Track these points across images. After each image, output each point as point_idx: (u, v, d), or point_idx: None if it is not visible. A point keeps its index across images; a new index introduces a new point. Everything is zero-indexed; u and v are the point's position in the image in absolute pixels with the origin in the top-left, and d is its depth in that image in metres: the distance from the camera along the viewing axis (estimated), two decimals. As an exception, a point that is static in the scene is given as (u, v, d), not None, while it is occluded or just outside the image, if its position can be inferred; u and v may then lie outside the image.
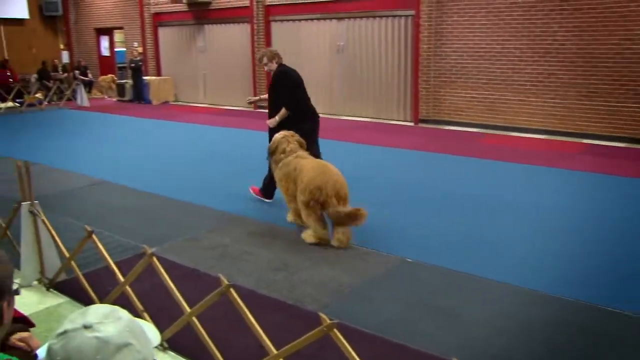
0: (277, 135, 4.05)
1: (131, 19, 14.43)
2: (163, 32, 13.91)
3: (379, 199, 4.47)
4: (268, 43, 11.60)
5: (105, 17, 15.11)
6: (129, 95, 14.01)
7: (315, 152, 4.33)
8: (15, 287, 1.08)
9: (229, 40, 12.52)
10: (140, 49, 14.23)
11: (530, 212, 3.86)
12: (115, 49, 16.21)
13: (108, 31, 15.65)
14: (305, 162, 3.76)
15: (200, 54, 13.19)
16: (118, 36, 16.84)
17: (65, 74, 14.70)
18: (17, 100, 12.68)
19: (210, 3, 12.58)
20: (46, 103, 12.68)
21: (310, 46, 10.30)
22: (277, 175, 3.89)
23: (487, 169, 5.21)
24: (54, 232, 3.08)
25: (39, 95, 13.32)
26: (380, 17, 8.90)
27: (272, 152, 4.00)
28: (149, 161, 6.50)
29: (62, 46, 16.02)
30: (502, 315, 2.38)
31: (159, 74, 14.34)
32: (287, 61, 5.26)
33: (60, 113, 11.57)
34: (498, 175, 4.94)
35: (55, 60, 15.09)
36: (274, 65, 4.67)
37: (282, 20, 11.05)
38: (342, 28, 9.58)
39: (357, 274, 3.00)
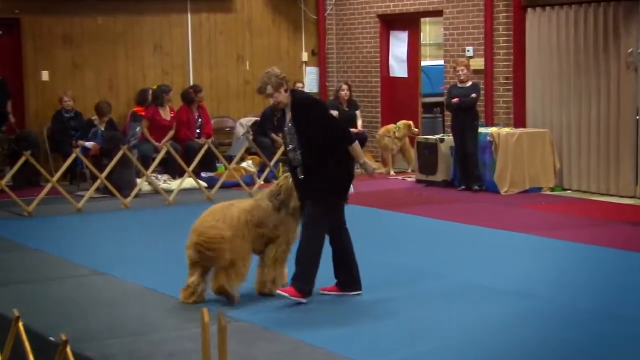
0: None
1: (465, -10, 16.58)
2: (535, 23, 15.35)
3: None
4: None
5: (408, -11, 17.82)
6: (444, 170, 15.67)
7: (344, 235, 8.59)
8: None
9: None
10: (480, 62, 16.04)
11: None
12: (422, 63, 18.60)
13: (408, 22, 18.17)
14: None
15: (628, 74, 14.05)
16: (430, 32, 19.43)
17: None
18: (203, 175, 15.94)
19: None
20: (261, 183, 15.41)
21: None
22: None
23: None
24: None
25: (248, 164, 16.21)
26: None
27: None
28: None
29: (305, 56, 19.54)
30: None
31: (519, 122, 15.65)
32: None
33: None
34: None
35: (299, 84, 18.22)
36: (283, 96, 8.23)
37: None
38: None
39: None
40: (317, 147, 8.16)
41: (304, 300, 8.12)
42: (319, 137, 8.17)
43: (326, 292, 8.47)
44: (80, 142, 15.72)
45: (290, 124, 8.28)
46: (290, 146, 8.28)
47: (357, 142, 8.41)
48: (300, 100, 8.38)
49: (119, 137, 15.63)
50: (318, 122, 8.26)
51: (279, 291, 8.17)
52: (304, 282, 8.15)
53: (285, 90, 8.22)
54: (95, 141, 15.78)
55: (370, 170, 8.58)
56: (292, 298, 8.07)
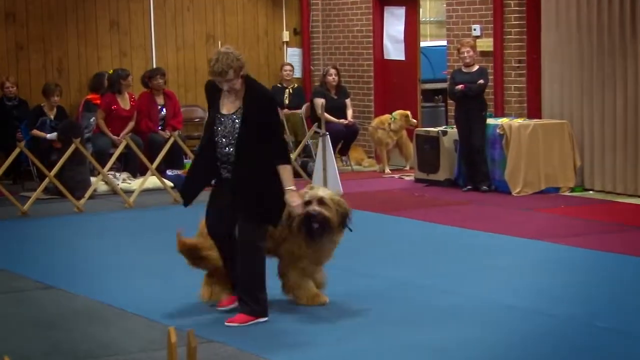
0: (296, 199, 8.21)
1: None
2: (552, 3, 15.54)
3: None
4: None
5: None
6: (448, 167, 15.71)
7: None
8: None
9: None
10: (488, 43, 16.02)
11: None
12: (422, 44, 18.52)
13: (407, -5, 18.30)
14: None
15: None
16: (431, 8, 19.40)
17: (296, 110, 17.86)
18: (169, 173, 15.82)
19: None
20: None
21: None
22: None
23: None
24: None
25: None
26: None
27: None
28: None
29: (287, 36, 19.52)
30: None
31: (533, 112, 15.70)
32: None
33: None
34: None
35: (287, 67, 18.57)
36: (239, 82, 8.14)
37: None
38: None
39: None
40: (257, 147, 8.11)
41: (264, 320, 8.19)
42: (262, 138, 8.11)
43: (224, 307, 8.51)
44: (36, 132, 15.73)
45: (232, 114, 8.20)
46: (223, 140, 8.18)
47: (290, 166, 8.38)
48: (261, 90, 8.39)
49: (76, 126, 15.52)
50: (268, 122, 8.21)
51: (227, 323, 8.16)
52: (254, 303, 8.20)
53: (242, 76, 8.14)
54: (44, 132, 15.78)
55: (291, 208, 8.23)
56: (247, 324, 8.12)
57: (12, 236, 12.53)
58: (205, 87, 8.51)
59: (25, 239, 12.39)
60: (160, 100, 16.92)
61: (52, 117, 15.96)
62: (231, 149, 8.12)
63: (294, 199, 8.09)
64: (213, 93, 8.31)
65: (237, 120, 8.12)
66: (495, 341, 7.67)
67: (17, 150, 14.29)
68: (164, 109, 16.90)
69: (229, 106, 8.17)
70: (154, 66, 17.82)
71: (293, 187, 8.11)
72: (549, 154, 14.87)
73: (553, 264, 10.52)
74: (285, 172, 8.10)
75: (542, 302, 8.86)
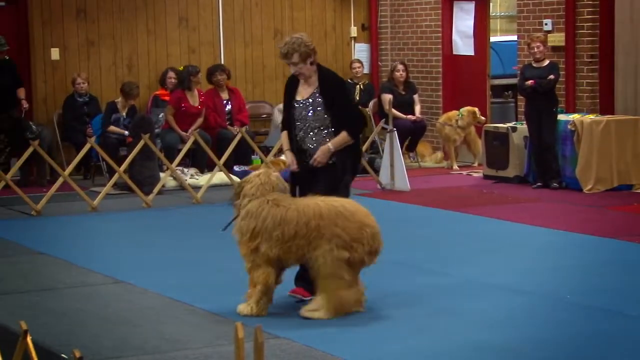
0: (253, 174, 8.68)
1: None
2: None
3: None
4: None
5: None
6: (517, 164, 15.62)
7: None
8: None
9: None
10: (559, 38, 15.90)
11: None
12: (492, 39, 18.51)
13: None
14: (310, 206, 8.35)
15: None
16: (501, 2, 19.28)
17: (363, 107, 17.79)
18: (236, 169, 15.97)
19: None
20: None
21: None
22: (240, 229, 8.33)
23: None
24: None
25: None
26: None
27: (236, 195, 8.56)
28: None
29: (354, 32, 19.64)
30: None
31: (606, 108, 15.54)
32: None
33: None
34: None
35: (357, 64, 18.57)
36: (307, 68, 8.72)
37: None
38: None
39: None
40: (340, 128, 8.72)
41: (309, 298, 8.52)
42: (334, 112, 8.70)
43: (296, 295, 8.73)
44: (113, 127, 15.96)
45: (305, 99, 8.75)
46: (297, 124, 8.77)
47: (351, 139, 8.72)
48: (333, 74, 9.09)
49: (148, 121, 15.64)
50: (340, 96, 8.85)
51: (290, 293, 8.67)
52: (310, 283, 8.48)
53: (312, 63, 8.73)
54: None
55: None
56: (306, 298, 8.51)
57: (82, 231, 12.73)
58: (287, 81, 9.13)
59: (95, 233, 12.57)
60: (225, 95, 17.06)
61: (124, 114, 16.12)
62: (304, 133, 8.70)
63: (320, 153, 8.58)
64: (291, 84, 8.90)
65: (309, 106, 8.70)
66: (570, 341, 7.64)
67: (87, 146, 14.48)
68: (229, 104, 17.02)
69: (303, 93, 8.76)
70: (222, 62, 17.94)
71: (331, 147, 8.55)
72: (622, 151, 14.73)
73: (627, 263, 10.45)
74: (341, 136, 8.61)
75: (618, 301, 8.81)
